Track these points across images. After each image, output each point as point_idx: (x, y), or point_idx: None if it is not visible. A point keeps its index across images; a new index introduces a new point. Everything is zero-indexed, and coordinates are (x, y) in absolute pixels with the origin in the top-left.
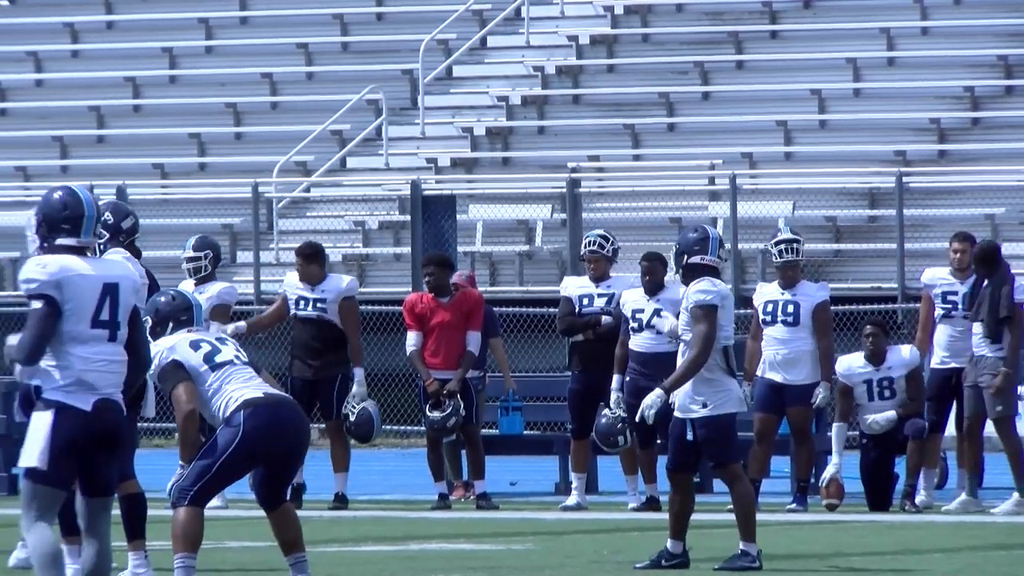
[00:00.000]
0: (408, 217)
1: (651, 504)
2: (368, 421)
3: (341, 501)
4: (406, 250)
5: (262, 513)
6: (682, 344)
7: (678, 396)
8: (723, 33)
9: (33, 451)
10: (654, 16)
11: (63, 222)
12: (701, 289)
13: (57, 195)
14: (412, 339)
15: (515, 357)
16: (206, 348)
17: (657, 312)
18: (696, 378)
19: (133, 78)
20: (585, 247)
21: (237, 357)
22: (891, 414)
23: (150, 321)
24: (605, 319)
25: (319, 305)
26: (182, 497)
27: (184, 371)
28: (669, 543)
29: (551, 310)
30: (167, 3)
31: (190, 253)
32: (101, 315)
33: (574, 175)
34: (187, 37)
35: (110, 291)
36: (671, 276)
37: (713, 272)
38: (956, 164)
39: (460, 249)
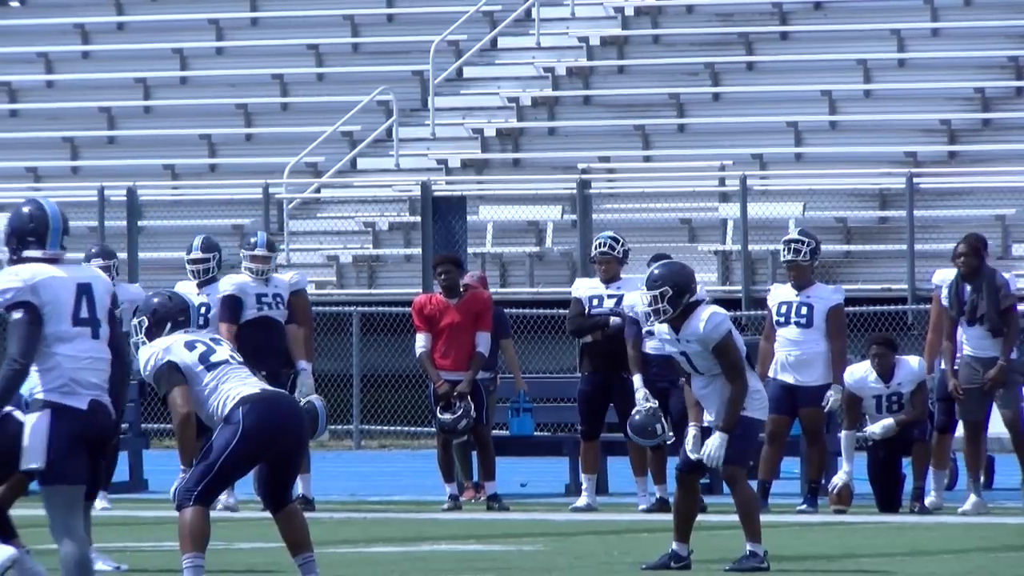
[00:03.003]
0: (418, 218)
1: (661, 505)
2: (313, 417)
3: (306, 503)
4: (416, 251)
5: (270, 515)
6: (701, 377)
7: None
8: (733, 34)
9: (34, 453)
10: (664, 17)
11: (29, 234)
12: (715, 322)
13: (25, 209)
14: (421, 341)
15: (525, 358)
16: (201, 348)
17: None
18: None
19: (144, 79)
20: (595, 248)
21: (232, 357)
22: (889, 422)
23: (147, 322)
24: (614, 320)
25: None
26: (187, 498)
27: (179, 373)
28: (675, 545)
29: (561, 311)
30: (177, 4)
31: (197, 255)
32: (80, 313)
33: (584, 176)
34: (198, 38)
35: (85, 290)
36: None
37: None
38: (966, 165)
39: (470, 250)
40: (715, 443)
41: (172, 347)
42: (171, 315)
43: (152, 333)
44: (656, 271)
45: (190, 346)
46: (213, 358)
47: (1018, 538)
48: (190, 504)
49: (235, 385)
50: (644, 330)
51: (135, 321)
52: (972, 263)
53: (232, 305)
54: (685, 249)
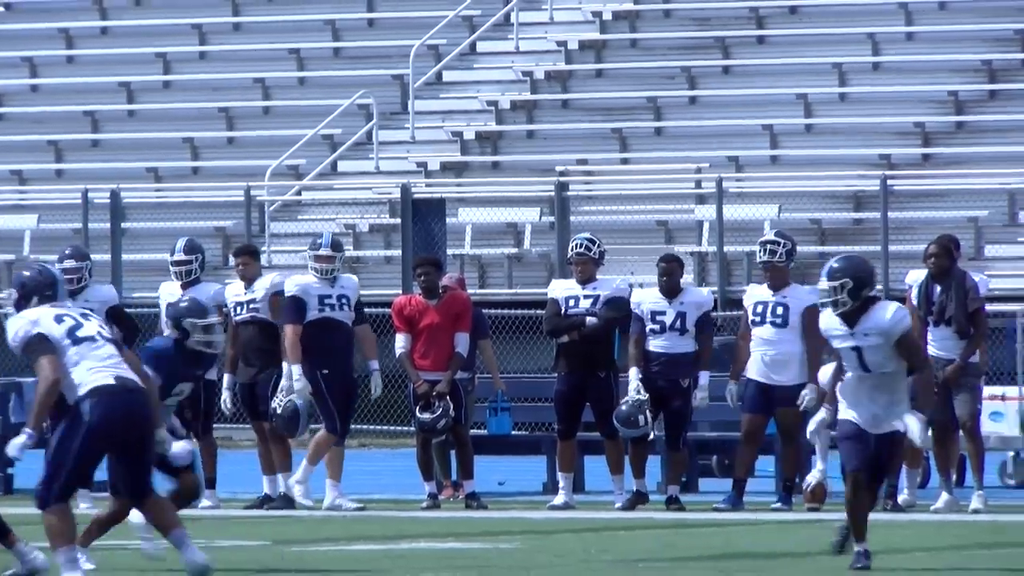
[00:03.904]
0: (398, 220)
1: (638, 499)
2: (293, 416)
3: (265, 502)
4: (396, 253)
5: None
6: (864, 374)
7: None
8: (710, 38)
9: None
10: (642, 22)
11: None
12: (900, 316)
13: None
14: (401, 341)
15: (503, 358)
16: (69, 322)
17: (681, 316)
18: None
19: (127, 83)
20: (572, 250)
21: (100, 333)
22: None
23: (15, 294)
24: (590, 320)
25: (252, 307)
26: (46, 500)
27: (49, 343)
28: (858, 546)
29: (539, 312)
30: (161, 9)
31: (180, 256)
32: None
33: (562, 179)
34: (181, 43)
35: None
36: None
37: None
38: (940, 168)
39: (449, 252)
40: (921, 427)
41: (40, 319)
42: (38, 288)
43: (20, 305)
44: (837, 263)
45: (59, 319)
46: (80, 333)
47: (990, 536)
48: (51, 505)
49: (94, 365)
50: (647, 328)
51: (3, 294)
52: (942, 264)
53: (295, 306)
54: (661, 250)
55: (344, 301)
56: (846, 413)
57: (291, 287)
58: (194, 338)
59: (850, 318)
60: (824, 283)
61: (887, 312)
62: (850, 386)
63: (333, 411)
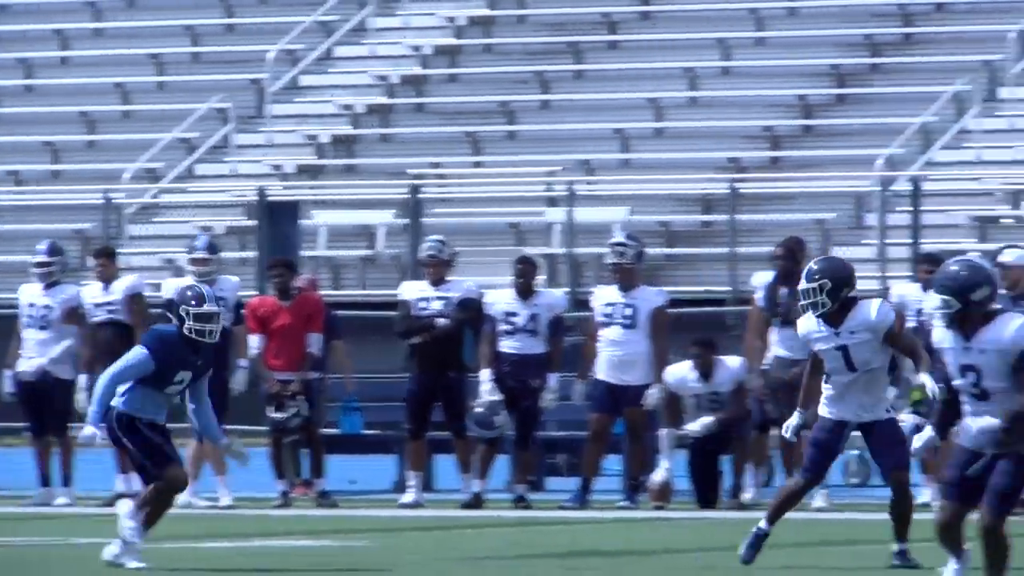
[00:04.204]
0: (254, 222)
1: (476, 500)
2: None
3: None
4: (252, 254)
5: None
6: (850, 373)
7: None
8: (563, 43)
9: None
10: (496, 27)
11: None
12: (885, 311)
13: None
14: (255, 342)
15: (356, 359)
16: None
17: (534, 317)
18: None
19: None
20: (424, 252)
21: None
22: (709, 420)
23: None
24: (441, 321)
25: (109, 308)
26: None
27: None
28: (896, 546)
29: (392, 313)
30: (24, 16)
31: (43, 258)
32: None
33: (415, 182)
34: (42, 48)
35: None
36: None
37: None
38: (788, 170)
39: (304, 253)
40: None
41: None
42: None
43: None
44: (816, 264)
45: None
46: None
47: (834, 533)
48: None
49: None
50: (500, 329)
51: None
52: (787, 266)
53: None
54: (513, 252)
55: (222, 303)
56: (828, 413)
57: (168, 290)
58: (188, 325)
59: (834, 319)
60: (804, 284)
61: (872, 309)
62: (834, 388)
63: None
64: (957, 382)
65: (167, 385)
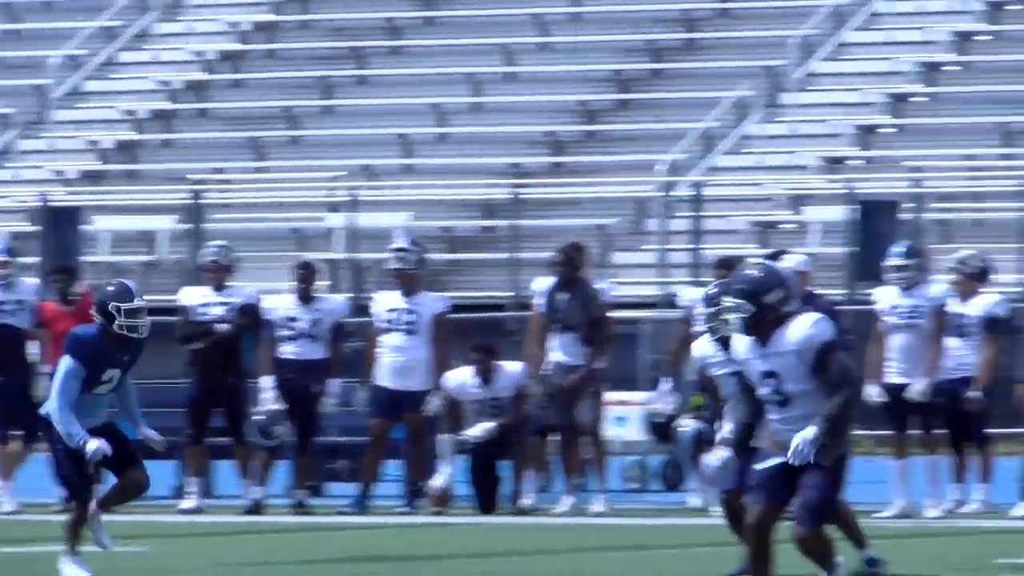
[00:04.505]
0: (37, 228)
1: (257, 507)
2: None
3: None
4: (35, 260)
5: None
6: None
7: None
8: (346, 49)
9: None
10: (280, 32)
11: None
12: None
13: None
14: (35, 347)
15: (136, 364)
16: None
17: (316, 322)
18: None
19: None
20: (205, 257)
21: None
22: (489, 425)
23: None
24: (222, 327)
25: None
26: None
27: None
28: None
29: (173, 318)
30: None
31: None
32: None
33: (197, 187)
34: None
35: None
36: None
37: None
38: (570, 176)
39: (86, 259)
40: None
41: None
42: None
43: None
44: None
45: None
46: None
47: (614, 538)
48: None
49: None
50: (282, 334)
51: None
52: (566, 272)
53: None
54: (295, 258)
55: (20, 306)
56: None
57: None
58: (119, 322)
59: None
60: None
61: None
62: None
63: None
64: (760, 391)
65: (96, 386)
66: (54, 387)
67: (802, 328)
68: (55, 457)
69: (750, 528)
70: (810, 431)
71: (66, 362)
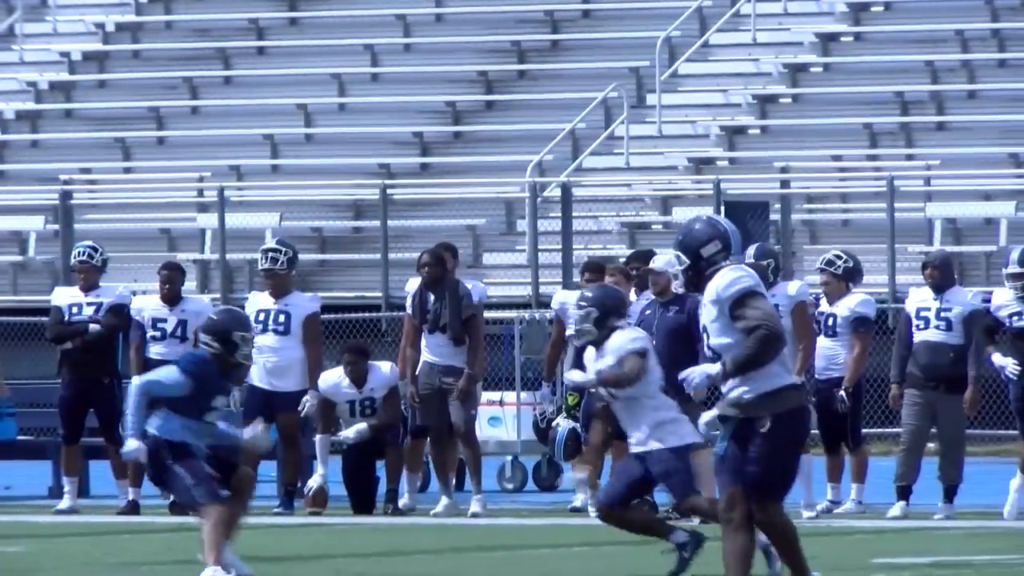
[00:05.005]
0: None
1: (133, 508)
2: None
3: None
4: None
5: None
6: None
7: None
8: (211, 49)
9: None
10: (144, 33)
11: None
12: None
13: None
14: None
15: (9, 365)
16: None
17: (182, 323)
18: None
19: None
20: (75, 258)
21: None
22: (363, 426)
23: None
24: (93, 327)
25: None
26: None
27: None
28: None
29: (44, 319)
30: None
31: None
32: None
33: (66, 187)
34: None
35: None
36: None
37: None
38: (438, 177)
39: None
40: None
41: None
42: None
43: None
44: (588, 292)
45: None
46: None
47: (489, 539)
48: None
49: None
50: (150, 335)
51: None
52: (435, 272)
53: None
54: (165, 258)
55: None
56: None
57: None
58: (242, 351)
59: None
60: (574, 310)
61: (618, 336)
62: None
63: None
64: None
65: (208, 412)
66: (150, 377)
67: (718, 279)
68: (172, 473)
69: (721, 507)
70: (712, 367)
71: (173, 372)
